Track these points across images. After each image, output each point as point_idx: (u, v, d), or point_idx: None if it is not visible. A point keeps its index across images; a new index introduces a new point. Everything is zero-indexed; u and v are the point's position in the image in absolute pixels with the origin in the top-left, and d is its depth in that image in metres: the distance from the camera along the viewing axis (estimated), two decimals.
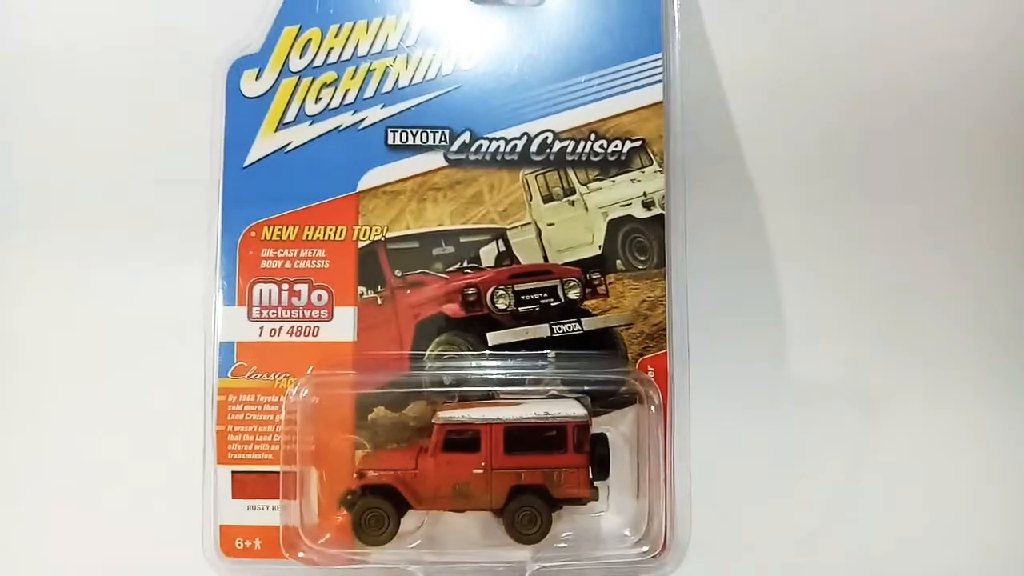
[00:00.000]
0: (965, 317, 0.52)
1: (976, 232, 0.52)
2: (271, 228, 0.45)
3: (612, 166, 0.46)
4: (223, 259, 0.45)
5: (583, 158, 0.46)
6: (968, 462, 0.51)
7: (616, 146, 0.46)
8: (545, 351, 0.45)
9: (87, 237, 0.51)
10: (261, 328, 0.45)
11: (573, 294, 0.46)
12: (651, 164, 0.46)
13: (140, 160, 0.51)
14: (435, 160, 0.46)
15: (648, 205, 0.46)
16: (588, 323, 0.46)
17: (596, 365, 0.45)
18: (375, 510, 0.42)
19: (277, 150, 0.46)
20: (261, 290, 0.45)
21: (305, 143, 0.46)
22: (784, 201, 0.52)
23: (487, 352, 0.45)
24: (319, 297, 0.45)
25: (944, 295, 0.52)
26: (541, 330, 0.46)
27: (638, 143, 0.46)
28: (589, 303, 0.46)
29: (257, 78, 0.46)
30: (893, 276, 0.51)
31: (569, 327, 0.46)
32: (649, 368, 0.45)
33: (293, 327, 0.45)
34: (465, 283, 0.46)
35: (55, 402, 0.50)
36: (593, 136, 0.46)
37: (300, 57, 0.46)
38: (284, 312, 0.45)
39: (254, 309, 0.45)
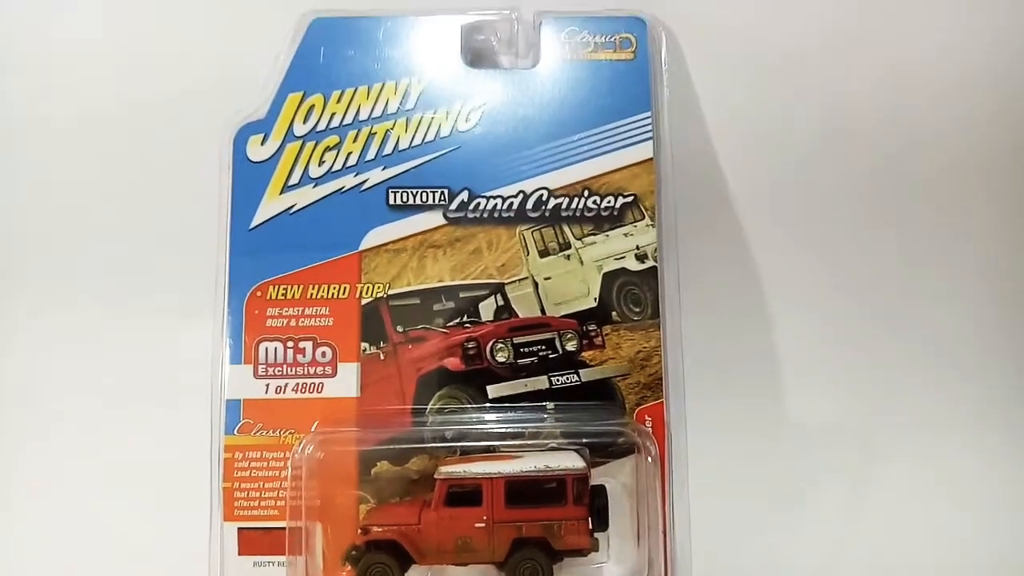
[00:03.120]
0: (961, 351, 0.52)
1: (970, 265, 0.53)
2: (276, 287, 0.47)
3: (605, 221, 0.48)
4: (230, 318, 0.46)
5: (577, 214, 0.48)
6: (968, 495, 0.51)
7: (609, 202, 0.48)
8: (544, 403, 0.46)
9: (97, 297, 0.52)
10: (267, 385, 0.46)
11: (571, 346, 0.47)
12: (643, 218, 0.48)
13: (148, 222, 0.52)
14: (435, 219, 0.48)
15: (641, 258, 0.47)
16: (586, 374, 0.47)
17: (594, 416, 0.46)
18: (379, 565, 0.42)
19: (282, 212, 0.48)
20: (267, 348, 0.46)
21: (309, 204, 0.48)
22: (774, 247, 0.53)
23: (487, 405, 0.46)
24: (323, 354, 0.46)
25: (938, 331, 0.52)
26: (540, 382, 0.47)
27: (630, 198, 0.48)
28: (586, 354, 0.47)
29: (263, 143, 0.48)
30: (887, 315, 0.52)
31: (567, 378, 0.47)
32: (647, 417, 0.46)
33: (298, 384, 0.46)
34: (465, 337, 0.47)
35: (62, 458, 0.51)
36: (586, 192, 0.48)
37: (304, 122, 0.48)
38: (289, 369, 0.46)
39: (260, 367, 0.46)
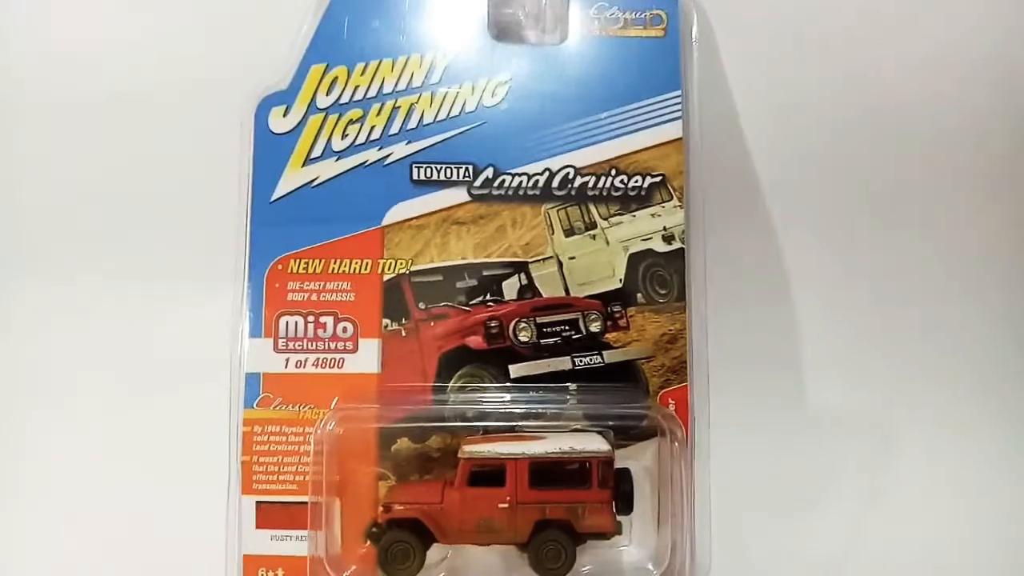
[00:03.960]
0: (981, 346, 0.52)
1: (999, 258, 0.52)
2: (298, 261, 0.46)
3: (632, 201, 0.47)
4: (250, 291, 0.46)
5: (604, 193, 0.47)
6: (987, 488, 0.51)
7: (636, 181, 0.47)
8: (567, 384, 0.46)
9: (118, 269, 0.52)
10: (287, 360, 0.46)
11: (594, 327, 0.47)
12: (671, 199, 0.47)
13: (170, 194, 0.52)
14: (459, 195, 0.47)
15: (668, 239, 0.47)
16: (609, 356, 0.46)
17: (617, 398, 0.45)
18: (401, 543, 0.42)
19: (304, 185, 0.47)
20: (287, 322, 0.46)
21: (332, 178, 0.47)
22: (803, 233, 0.52)
23: (509, 384, 0.46)
24: (344, 329, 0.46)
25: (962, 324, 0.52)
26: (563, 363, 0.46)
27: (658, 178, 0.47)
28: (610, 336, 0.46)
29: (285, 115, 0.47)
30: (914, 307, 0.52)
31: (591, 360, 0.46)
32: (670, 401, 0.45)
33: (319, 359, 0.46)
34: (488, 316, 0.46)
35: (80, 431, 0.51)
36: (614, 172, 0.47)
37: (327, 94, 0.48)
38: (310, 344, 0.46)
39: (280, 341, 0.46)
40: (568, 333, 0.47)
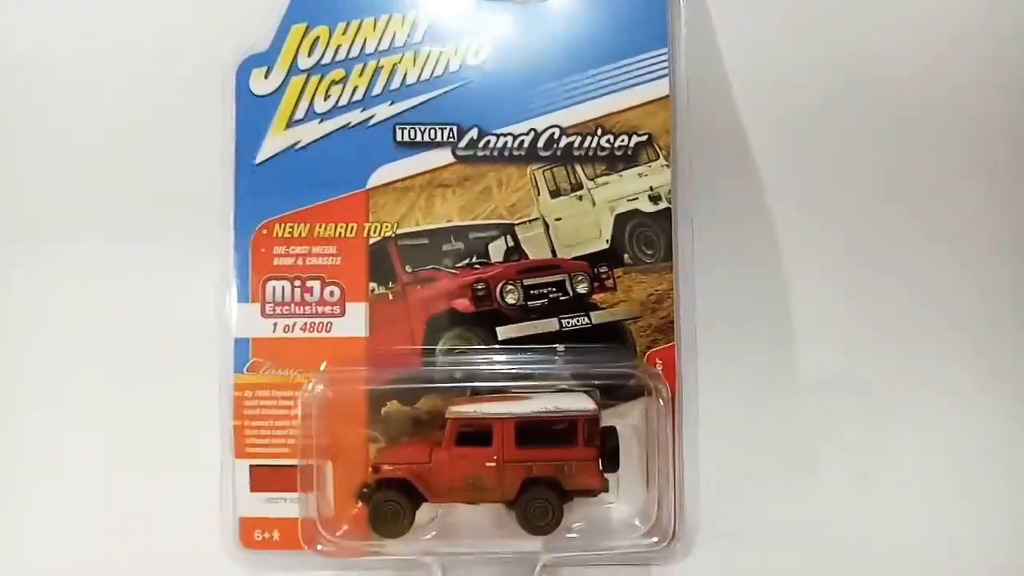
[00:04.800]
0: (971, 309, 0.51)
1: (982, 224, 0.52)
2: (283, 225, 0.46)
3: (619, 161, 0.47)
4: (236, 256, 0.46)
5: (590, 153, 0.47)
6: (981, 456, 0.51)
7: (623, 141, 0.47)
8: (554, 345, 0.46)
9: (100, 236, 0.51)
10: (275, 324, 0.46)
11: (581, 288, 0.47)
12: (658, 158, 0.47)
13: (151, 158, 0.51)
14: (444, 156, 0.47)
15: (655, 199, 0.47)
16: (596, 317, 0.46)
17: (605, 359, 0.46)
18: (391, 503, 0.43)
19: (287, 148, 0.46)
20: (274, 287, 0.46)
21: (315, 141, 0.47)
22: (791, 194, 0.52)
23: (497, 347, 0.46)
24: (331, 293, 0.46)
25: (950, 288, 0.51)
26: (550, 324, 0.46)
27: (644, 137, 0.47)
28: (597, 297, 0.47)
29: (266, 76, 0.47)
30: (901, 269, 0.51)
31: (578, 321, 0.46)
32: (657, 361, 0.46)
33: (306, 323, 0.46)
34: (475, 278, 0.46)
35: (71, 400, 0.51)
36: (600, 131, 0.47)
37: (308, 55, 0.47)
38: (297, 308, 0.46)
39: (267, 306, 0.46)
40: (555, 295, 0.47)
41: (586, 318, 0.46)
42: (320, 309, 0.46)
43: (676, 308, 0.46)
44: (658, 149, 0.47)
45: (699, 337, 0.47)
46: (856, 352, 0.51)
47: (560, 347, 0.46)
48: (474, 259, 0.47)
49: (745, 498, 0.50)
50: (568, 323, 0.46)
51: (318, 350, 0.46)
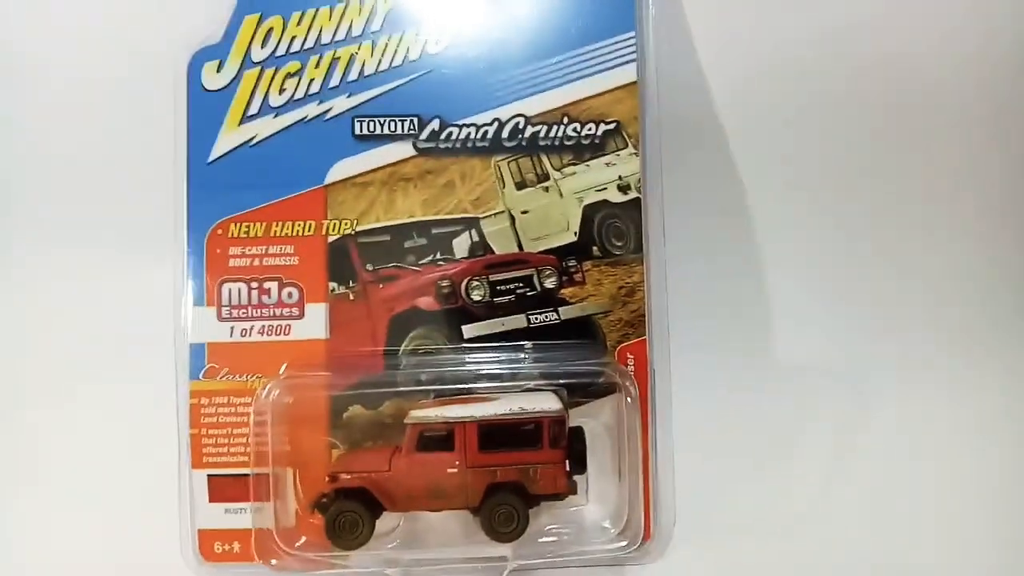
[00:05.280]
0: (949, 292, 0.50)
1: (970, 204, 0.51)
2: (238, 225, 0.44)
3: (586, 150, 0.45)
4: (191, 258, 0.44)
5: (556, 142, 0.45)
6: (960, 438, 0.50)
7: (590, 129, 0.45)
8: (522, 343, 0.44)
9: (49, 239, 0.49)
10: (232, 328, 0.44)
11: (549, 283, 0.45)
12: (626, 147, 0.45)
13: (101, 157, 0.49)
14: (405, 149, 0.45)
15: (624, 189, 0.45)
16: (565, 312, 0.45)
17: (574, 355, 0.44)
18: (348, 513, 0.41)
19: (242, 144, 0.45)
20: (230, 289, 0.44)
21: (270, 136, 0.45)
22: (764, 180, 0.50)
23: (463, 346, 0.44)
24: (289, 295, 0.44)
25: (927, 273, 0.50)
26: (518, 321, 0.45)
27: (612, 125, 0.45)
28: (566, 291, 0.45)
29: (218, 70, 0.45)
30: (874, 255, 0.50)
31: (546, 317, 0.45)
32: (628, 356, 0.44)
33: (264, 326, 0.44)
34: (439, 275, 0.45)
35: (26, 409, 0.49)
36: (566, 119, 0.45)
37: (262, 47, 0.45)
38: (255, 311, 0.44)
39: (223, 309, 0.44)
40: (522, 290, 0.45)
41: (554, 313, 0.45)
42: (278, 311, 0.44)
43: (647, 301, 0.44)
44: (627, 137, 0.45)
45: (672, 330, 0.45)
46: (835, 342, 0.50)
47: (528, 344, 0.44)
48: (438, 255, 0.45)
49: (722, 493, 0.48)
50: (536, 319, 0.45)
51: (277, 354, 0.44)
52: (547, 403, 0.41)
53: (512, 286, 0.45)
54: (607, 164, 0.45)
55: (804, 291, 0.50)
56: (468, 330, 0.44)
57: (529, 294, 0.45)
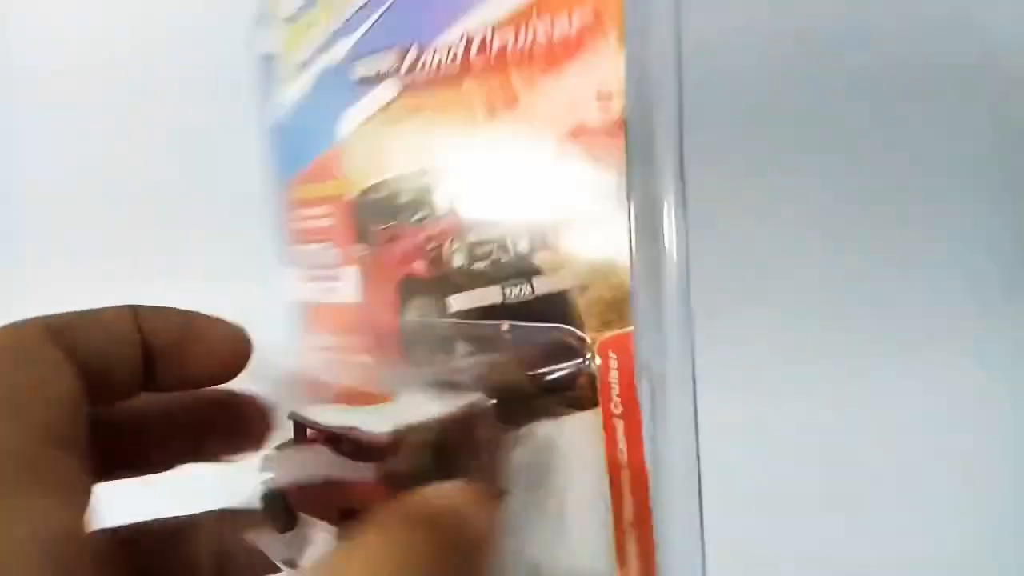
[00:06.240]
0: (959, 264, 0.41)
1: (951, 183, 0.41)
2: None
3: None
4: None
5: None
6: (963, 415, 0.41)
7: None
8: (500, 321, 0.35)
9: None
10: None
11: (522, 245, 0.33)
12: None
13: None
14: (392, 87, 0.38)
15: None
16: (538, 284, 0.33)
17: (550, 346, 0.32)
18: None
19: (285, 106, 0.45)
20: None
21: (304, 96, 0.44)
22: (758, 132, 0.39)
23: (454, 320, 0.37)
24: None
25: (934, 242, 0.41)
26: (493, 294, 0.35)
27: None
28: (540, 256, 0.33)
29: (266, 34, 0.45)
30: (874, 216, 0.41)
31: (520, 290, 0.34)
32: (610, 354, 0.30)
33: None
34: (425, 236, 0.38)
35: None
36: None
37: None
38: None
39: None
40: (496, 256, 0.35)
41: (528, 287, 0.33)
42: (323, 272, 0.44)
43: (632, 275, 0.29)
44: None
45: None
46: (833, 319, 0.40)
47: (506, 325, 0.34)
48: (426, 211, 0.38)
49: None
50: (511, 292, 0.34)
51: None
52: (393, 420, 0.30)
53: (488, 248, 0.35)
54: None
55: (803, 256, 0.39)
56: (453, 302, 0.37)
57: (503, 260, 0.34)
